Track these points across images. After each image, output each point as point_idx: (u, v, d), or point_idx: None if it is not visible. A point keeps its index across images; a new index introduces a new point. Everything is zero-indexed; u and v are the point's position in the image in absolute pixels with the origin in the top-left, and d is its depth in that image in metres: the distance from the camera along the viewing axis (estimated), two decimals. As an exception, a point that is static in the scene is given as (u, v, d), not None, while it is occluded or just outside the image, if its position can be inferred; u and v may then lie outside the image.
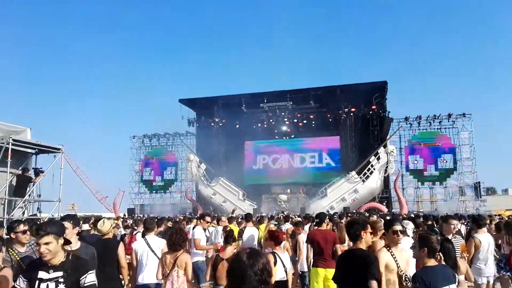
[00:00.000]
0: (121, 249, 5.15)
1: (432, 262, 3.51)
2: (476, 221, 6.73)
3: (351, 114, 34.52)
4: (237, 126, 36.70)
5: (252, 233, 8.49)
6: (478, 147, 41.82)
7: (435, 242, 3.53)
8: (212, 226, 8.74)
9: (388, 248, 3.95)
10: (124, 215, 28.83)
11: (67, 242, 3.11)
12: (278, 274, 4.98)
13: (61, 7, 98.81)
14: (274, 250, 5.15)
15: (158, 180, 43.42)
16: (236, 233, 7.99)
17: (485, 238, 6.39)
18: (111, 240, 5.39)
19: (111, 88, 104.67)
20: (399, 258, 3.90)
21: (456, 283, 3.52)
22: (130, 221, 13.72)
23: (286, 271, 5.07)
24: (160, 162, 43.46)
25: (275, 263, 4.87)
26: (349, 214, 17.13)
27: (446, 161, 35.54)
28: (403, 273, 3.77)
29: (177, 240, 4.88)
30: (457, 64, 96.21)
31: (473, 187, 34.57)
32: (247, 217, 9.32)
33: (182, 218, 16.47)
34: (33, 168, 9.39)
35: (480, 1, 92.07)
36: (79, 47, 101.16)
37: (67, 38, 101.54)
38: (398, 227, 3.99)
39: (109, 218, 9.95)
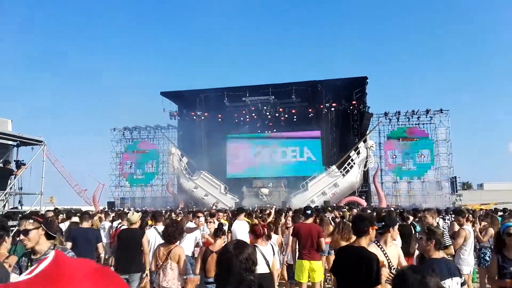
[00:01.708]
0: (145, 238, 6.06)
1: (437, 255, 3.51)
2: (461, 214, 7.02)
3: (332, 109, 34.90)
4: (219, 119, 36.61)
5: (241, 226, 8.55)
6: (455, 142, 42.99)
7: (440, 235, 3.56)
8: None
9: (378, 244, 3.86)
10: (104, 208, 28.46)
11: None
12: (260, 268, 5.01)
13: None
14: (255, 244, 5.20)
15: (138, 173, 42.96)
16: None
17: (471, 230, 6.69)
18: (137, 230, 6.33)
19: (92, 80, 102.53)
20: (390, 253, 3.85)
21: (462, 278, 3.44)
22: (112, 215, 13.59)
23: (268, 264, 5.06)
24: (141, 155, 42.98)
25: None
26: (334, 207, 17.41)
27: (424, 156, 36.45)
28: (394, 268, 3.69)
29: (172, 232, 4.96)
30: (436, 61, 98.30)
31: (450, 182, 35.57)
32: (239, 211, 9.54)
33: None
34: (14, 161, 9.17)
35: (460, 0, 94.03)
36: (58, 40, 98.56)
37: (44, 31, 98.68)
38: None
39: (86, 212, 9.93)
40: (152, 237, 6.55)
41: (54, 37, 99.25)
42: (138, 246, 5.95)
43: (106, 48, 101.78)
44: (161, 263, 4.86)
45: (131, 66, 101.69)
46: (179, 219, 9.59)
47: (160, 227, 6.76)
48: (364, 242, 3.57)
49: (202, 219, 8.46)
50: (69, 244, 6.24)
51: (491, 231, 7.27)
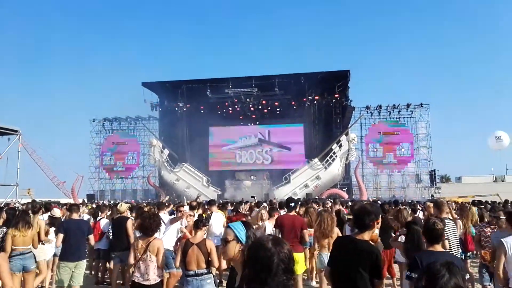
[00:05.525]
0: (129, 224, 7.47)
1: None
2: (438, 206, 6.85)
3: (315, 101, 34.95)
4: (202, 111, 36.24)
5: (219, 218, 8.64)
6: (435, 136, 43.72)
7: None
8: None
9: None
10: (84, 200, 27.93)
11: None
12: None
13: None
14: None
15: (119, 165, 42.28)
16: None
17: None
18: (124, 217, 7.70)
19: (70, 69, 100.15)
20: None
21: None
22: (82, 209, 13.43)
23: None
24: (121, 146, 42.27)
25: None
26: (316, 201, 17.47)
27: (404, 150, 37.02)
28: None
29: (149, 225, 4.85)
30: (416, 56, 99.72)
31: (429, 175, 36.23)
32: (211, 203, 9.61)
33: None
34: (-13, 151, 8.87)
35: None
36: (36, 25, 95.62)
37: (21, 16, 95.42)
38: None
39: (65, 204, 9.68)
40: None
41: (28, 20, 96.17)
42: (124, 231, 7.42)
43: (85, 36, 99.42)
44: (139, 256, 4.75)
45: (111, 55, 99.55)
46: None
47: (164, 215, 7.69)
48: (367, 236, 3.50)
49: (186, 208, 8.47)
50: (61, 236, 6.30)
51: (459, 223, 7.31)
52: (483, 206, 13.02)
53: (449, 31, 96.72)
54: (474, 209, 10.52)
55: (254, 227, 7.50)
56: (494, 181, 46.63)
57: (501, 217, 5.03)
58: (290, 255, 1.83)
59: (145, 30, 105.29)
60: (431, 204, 7.95)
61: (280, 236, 6.77)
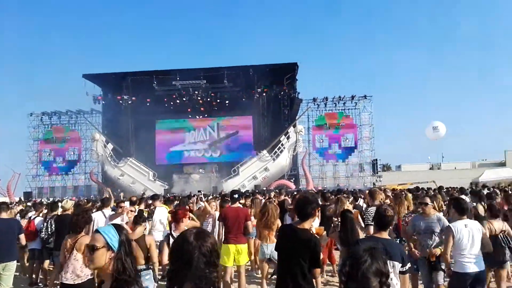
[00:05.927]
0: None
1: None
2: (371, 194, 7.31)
3: (264, 94, 35.19)
4: (148, 104, 35.10)
5: (162, 212, 8.54)
6: (377, 127, 45.73)
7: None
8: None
9: None
10: (20, 199, 26.22)
11: None
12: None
13: None
14: (172, 232, 4.99)
15: (58, 161, 40.07)
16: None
17: None
18: (68, 215, 7.24)
19: (4, 59, 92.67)
20: None
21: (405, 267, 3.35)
22: (18, 208, 12.61)
23: None
24: (61, 141, 40.02)
25: (168, 245, 4.68)
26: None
27: (348, 140, 38.46)
28: None
29: (76, 222, 4.64)
30: (361, 48, 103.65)
31: (371, 164, 37.99)
32: (154, 197, 9.52)
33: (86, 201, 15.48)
34: None
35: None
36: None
37: None
38: None
39: (3, 202, 9.08)
40: (101, 219, 7.31)
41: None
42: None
43: (23, 24, 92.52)
44: (68, 255, 4.52)
45: (49, 45, 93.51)
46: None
47: (107, 210, 7.63)
48: (307, 224, 3.57)
49: (127, 203, 8.34)
50: None
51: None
52: (419, 192, 13.82)
53: (386, 23, 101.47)
54: (410, 196, 11.12)
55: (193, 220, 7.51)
56: (430, 169, 50.01)
57: (428, 203, 5.29)
58: (213, 248, 1.85)
59: (85, 16, 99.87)
60: (369, 192, 8.34)
61: (224, 228, 6.78)
